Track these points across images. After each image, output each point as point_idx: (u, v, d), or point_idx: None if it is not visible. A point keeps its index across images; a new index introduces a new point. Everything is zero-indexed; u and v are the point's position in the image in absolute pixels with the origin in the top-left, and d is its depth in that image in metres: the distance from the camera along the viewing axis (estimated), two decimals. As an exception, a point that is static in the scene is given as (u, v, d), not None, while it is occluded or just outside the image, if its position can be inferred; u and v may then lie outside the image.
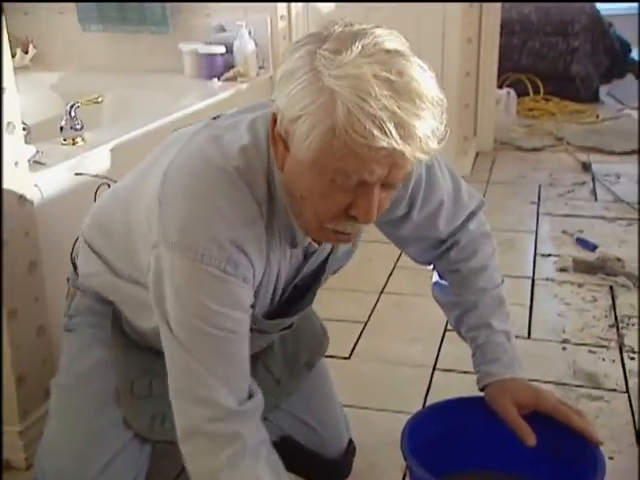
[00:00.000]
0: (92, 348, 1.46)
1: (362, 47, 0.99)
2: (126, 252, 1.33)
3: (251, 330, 1.24)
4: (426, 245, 1.46)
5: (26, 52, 3.08)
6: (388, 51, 1.00)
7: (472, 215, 1.45)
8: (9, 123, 1.59)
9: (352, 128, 0.95)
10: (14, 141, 1.61)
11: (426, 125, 0.98)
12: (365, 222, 1.08)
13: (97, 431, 1.40)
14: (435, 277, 1.54)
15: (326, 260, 1.35)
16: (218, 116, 1.27)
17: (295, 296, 1.35)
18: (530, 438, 1.28)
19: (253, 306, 1.21)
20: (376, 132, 0.95)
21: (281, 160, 1.08)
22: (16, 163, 1.61)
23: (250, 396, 1.18)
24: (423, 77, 1.00)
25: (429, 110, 0.98)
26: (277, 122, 1.05)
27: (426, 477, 1.20)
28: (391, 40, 1.03)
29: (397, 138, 0.95)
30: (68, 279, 1.54)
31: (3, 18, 1.49)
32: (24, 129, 1.69)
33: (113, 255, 1.38)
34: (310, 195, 1.07)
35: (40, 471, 1.43)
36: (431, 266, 1.54)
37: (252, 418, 1.18)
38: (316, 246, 1.28)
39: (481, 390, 1.39)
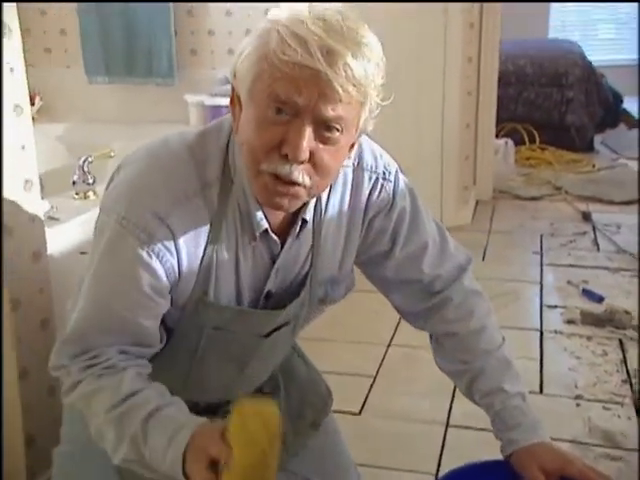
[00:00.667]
0: None
1: (311, 9, 1.05)
2: None
3: (220, 328, 1.27)
4: (412, 292, 1.43)
5: (32, 104, 3.08)
6: (339, 11, 1.05)
7: (462, 270, 1.43)
8: (27, 181, 1.60)
9: (281, 50, 0.99)
10: (32, 198, 1.62)
11: (358, 62, 1.01)
12: (294, 158, 1.05)
13: None
14: (433, 347, 1.50)
15: (306, 276, 1.32)
16: None
17: (269, 307, 1.32)
18: None
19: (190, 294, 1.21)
20: (300, 50, 0.98)
21: (237, 122, 1.10)
22: (33, 220, 1.62)
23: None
24: (364, 29, 1.05)
25: (362, 50, 1.02)
26: (233, 86, 1.10)
27: None
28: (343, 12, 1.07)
29: (322, 61, 0.98)
30: None
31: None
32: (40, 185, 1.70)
33: None
34: (249, 136, 1.08)
35: None
36: (426, 331, 1.50)
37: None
38: (277, 240, 1.23)
39: (506, 457, 1.35)
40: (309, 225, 1.26)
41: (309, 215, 1.23)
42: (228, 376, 1.39)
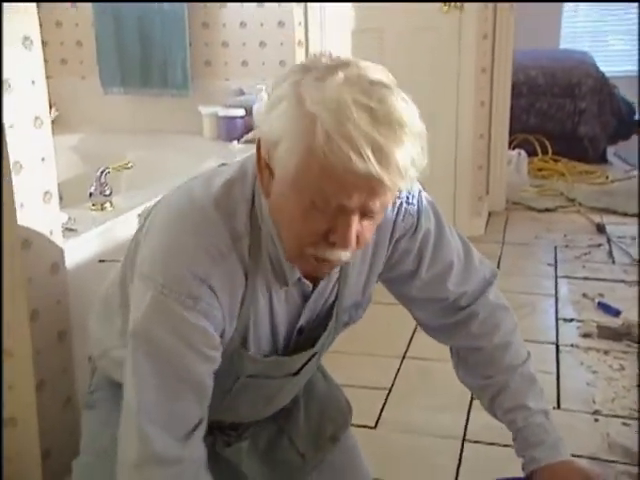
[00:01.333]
0: (110, 424, 1.42)
1: (345, 76, 1.00)
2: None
3: (255, 376, 1.28)
4: (436, 309, 1.43)
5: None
6: (371, 81, 1.01)
7: (488, 284, 1.43)
8: (46, 192, 1.61)
9: (331, 151, 0.96)
10: (50, 210, 1.62)
11: (405, 153, 0.98)
12: (343, 248, 1.07)
13: None
14: (454, 360, 1.50)
15: (332, 306, 1.33)
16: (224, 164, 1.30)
17: (307, 338, 1.33)
18: None
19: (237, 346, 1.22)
20: (354, 157, 0.95)
21: (267, 186, 1.09)
22: (51, 232, 1.62)
23: (189, 442, 1.17)
24: (404, 107, 1.01)
25: (409, 139, 0.99)
26: (261, 147, 1.06)
27: None
28: (376, 72, 1.04)
29: (375, 163, 0.96)
30: (90, 357, 1.54)
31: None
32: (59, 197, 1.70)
33: (109, 331, 1.39)
34: (291, 219, 1.08)
35: None
36: (448, 346, 1.50)
37: (192, 466, 1.18)
38: (309, 284, 1.24)
39: (528, 476, 1.35)
40: None
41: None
42: (256, 407, 1.41)
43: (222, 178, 1.17)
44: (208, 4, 3.12)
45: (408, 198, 1.30)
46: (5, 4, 1.47)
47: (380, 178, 0.97)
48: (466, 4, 3.37)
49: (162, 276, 1.13)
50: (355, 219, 1.04)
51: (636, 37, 7.29)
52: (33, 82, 1.55)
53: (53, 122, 3.07)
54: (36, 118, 1.57)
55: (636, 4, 6.20)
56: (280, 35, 3.10)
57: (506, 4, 3.77)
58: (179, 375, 1.16)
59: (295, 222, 1.07)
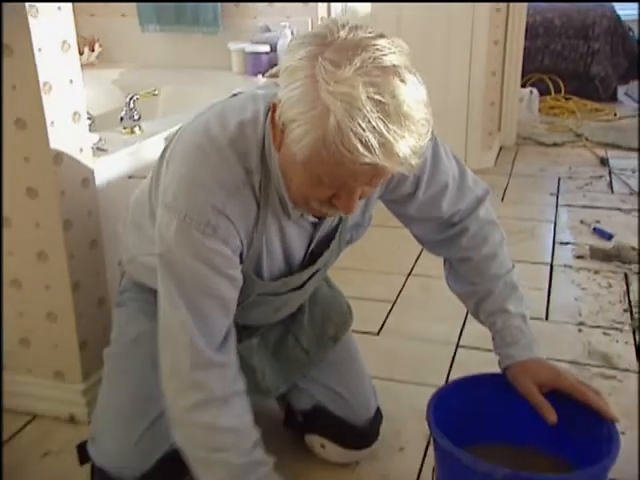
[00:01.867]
0: (138, 319, 1.49)
1: (360, 63, 0.97)
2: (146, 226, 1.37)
3: (264, 294, 1.33)
4: (432, 226, 1.45)
5: (92, 50, 3.11)
6: (385, 68, 0.99)
7: (480, 202, 1.43)
8: (75, 113, 1.62)
9: (341, 142, 0.96)
10: (79, 129, 1.64)
11: (409, 144, 0.99)
12: (345, 213, 1.11)
13: (143, 393, 1.42)
14: (446, 270, 1.52)
15: (336, 229, 1.35)
16: (238, 93, 1.30)
17: (312, 257, 1.37)
18: (551, 416, 1.28)
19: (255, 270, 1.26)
20: (362, 149, 0.96)
21: (278, 142, 1.09)
22: (81, 149, 1.64)
23: (224, 349, 1.23)
24: (414, 99, 1.00)
25: (413, 133, 0.99)
26: (276, 112, 1.05)
27: (450, 447, 1.20)
28: (391, 53, 1.01)
29: (380, 155, 0.97)
30: (119, 262, 1.59)
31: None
32: (89, 119, 1.71)
33: (136, 238, 1.45)
34: (298, 183, 1.10)
35: (95, 429, 1.46)
36: (441, 257, 1.52)
37: (223, 370, 1.23)
38: (315, 220, 1.28)
39: (503, 371, 1.38)
40: None
41: None
42: (265, 316, 1.47)
43: (237, 118, 1.18)
44: None
45: None
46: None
47: (384, 166, 0.98)
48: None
49: (185, 207, 1.16)
50: (358, 191, 1.07)
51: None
52: (59, 8, 1.54)
53: (97, 57, 3.14)
54: (63, 42, 1.56)
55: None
56: None
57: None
58: (205, 294, 1.20)
59: (302, 186, 1.09)
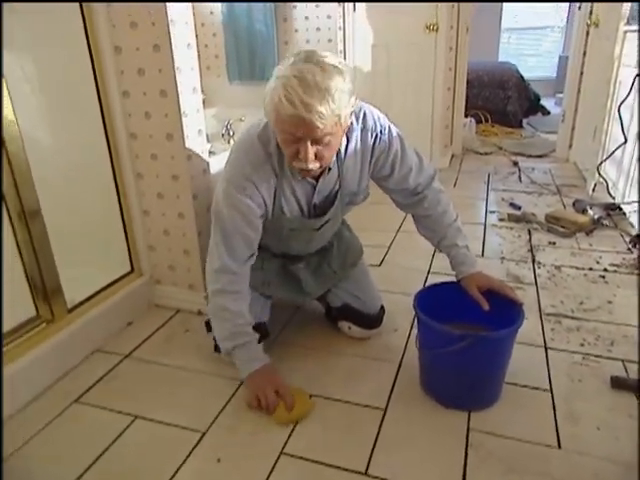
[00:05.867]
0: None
1: (299, 60, 1.00)
2: None
3: (293, 229, 1.30)
4: (403, 194, 1.40)
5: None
6: (312, 62, 0.99)
7: (432, 178, 1.39)
8: (199, 130, 1.62)
9: (282, 108, 0.98)
10: (201, 140, 1.64)
11: (320, 105, 0.97)
12: (306, 162, 1.07)
13: None
14: (416, 223, 1.48)
15: (336, 194, 1.31)
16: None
17: (321, 210, 1.33)
18: (485, 305, 1.30)
19: (272, 215, 1.24)
20: (289, 105, 0.97)
21: (272, 124, 1.09)
22: (202, 152, 1.65)
23: (241, 267, 1.25)
24: (326, 77, 0.98)
25: (324, 98, 0.98)
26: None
27: (426, 319, 1.23)
28: (325, 58, 1.01)
29: (302, 110, 0.97)
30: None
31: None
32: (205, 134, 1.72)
33: None
34: (282, 147, 1.09)
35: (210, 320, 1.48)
36: (410, 214, 1.48)
37: (241, 277, 1.27)
38: (312, 181, 1.24)
39: (458, 281, 1.39)
40: (335, 165, 1.24)
41: (332, 165, 1.23)
42: (301, 246, 1.44)
43: (264, 121, 1.18)
44: (286, 31, 3.03)
45: (381, 131, 1.26)
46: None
47: (309, 118, 0.98)
48: (439, 28, 3.24)
49: (229, 176, 1.19)
50: (308, 144, 1.04)
51: (542, 56, 6.95)
52: (192, 69, 1.54)
53: (203, 101, 3.12)
54: (194, 88, 1.57)
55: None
56: (328, 47, 2.99)
57: (464, 28, 3.58)
58: (235, 230, 1.21)
59: (284, 148, 1.09)
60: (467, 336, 1.16)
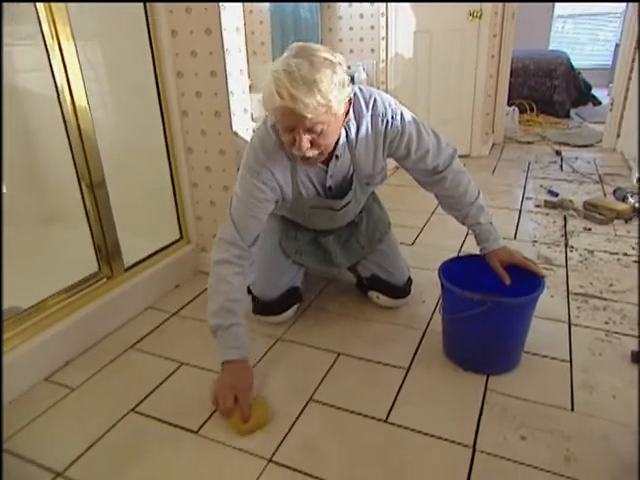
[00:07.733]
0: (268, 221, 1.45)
1: (292, 55, 1.00)
2: None
3: (314, 207, 1.31)
4: (423, 173, 1.39)
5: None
6: (303, 57, 1.00)
7: (452, 157, 1.36)
8: (245, 109, 1.70)
9: (273, 98, 1.00)
10: (246, 118, 1.71)
11: (307, 96, 0.98)
12: (301, 150, 1.07)
13: (274, 260, 1.52)
14: (441, 204, 1.47)
15: (352, 178, 1.31)
16: None
17: (339, 192, 1.34)
18: (507, 279, 1.33)
19: (283, 199, 1.26)
20: (279, 99, 0.99)
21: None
22: (246, 129, 1.72)
23: (249, 243, 1.24)
24: (313, 71, 0.99)
25: (311, 90, 0.99)
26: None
27: (450, 285, 1.27)
28: (316, 51, 1.02)
29: (289, 101, 0.98)
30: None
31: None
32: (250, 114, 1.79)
33: None
34: (280, 134, 1.10)
35: (254, 278, 1.54)
36: (434, 194, 1.46)
37: (248, 255, 1.25)
38: (323, 166, 1.25)
39: (482, 256, 1.41)
40: (346, 151, 1.25)
41: (340, 151, 1.23)
42: (325, 223, 1.45)
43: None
44: (330, 17, 3.10)
45: (393, 117, 1.25)
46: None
47: (296, 109, 0.99)
48: (483, 15, 3.24)
49: (246, 162, 1.20)
50: (301, 132, 1.04)
51: (600, 44, 6.68)
52: (239, 50, 1.60)
53: (250, 87, 3.22)
54: (241, 71, 1.64)
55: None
56: (371, 33, 3.06)
57: (510, 14, 3.56)
58: (247, 213, 1.23)
59: (282, 137, 1.10)
60: (486, 301, 1.19)
